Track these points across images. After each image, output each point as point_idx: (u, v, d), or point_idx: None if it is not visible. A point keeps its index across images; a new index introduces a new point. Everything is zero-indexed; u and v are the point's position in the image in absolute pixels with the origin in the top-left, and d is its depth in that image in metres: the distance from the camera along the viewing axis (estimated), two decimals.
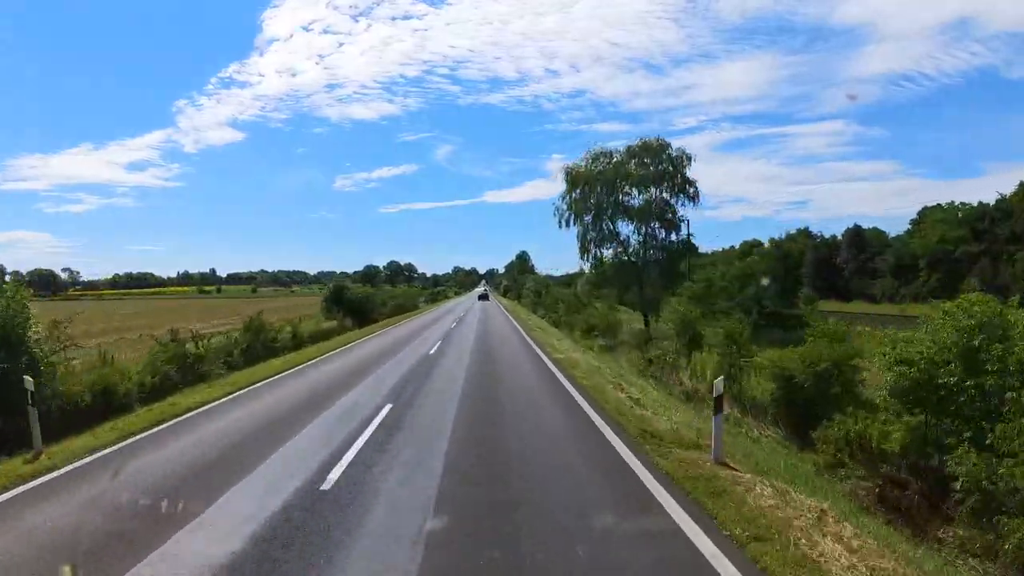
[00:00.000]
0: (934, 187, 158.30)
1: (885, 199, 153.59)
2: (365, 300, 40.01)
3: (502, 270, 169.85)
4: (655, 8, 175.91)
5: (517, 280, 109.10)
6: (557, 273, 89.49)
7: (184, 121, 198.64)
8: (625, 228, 31.84)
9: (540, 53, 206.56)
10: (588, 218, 31.41)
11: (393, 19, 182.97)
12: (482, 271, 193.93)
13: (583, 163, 31.10)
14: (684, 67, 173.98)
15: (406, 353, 16.91)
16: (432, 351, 16.79)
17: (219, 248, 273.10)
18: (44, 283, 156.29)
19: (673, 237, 31.44)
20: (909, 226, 73.34)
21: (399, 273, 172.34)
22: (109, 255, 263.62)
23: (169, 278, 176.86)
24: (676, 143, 32.21)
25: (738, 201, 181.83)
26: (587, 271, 32.41)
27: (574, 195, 31.32)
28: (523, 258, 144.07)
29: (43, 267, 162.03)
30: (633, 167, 30.70)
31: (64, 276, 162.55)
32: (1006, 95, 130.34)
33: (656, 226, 31.15)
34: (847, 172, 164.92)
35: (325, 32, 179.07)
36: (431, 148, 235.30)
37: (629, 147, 30.81)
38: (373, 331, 27.48)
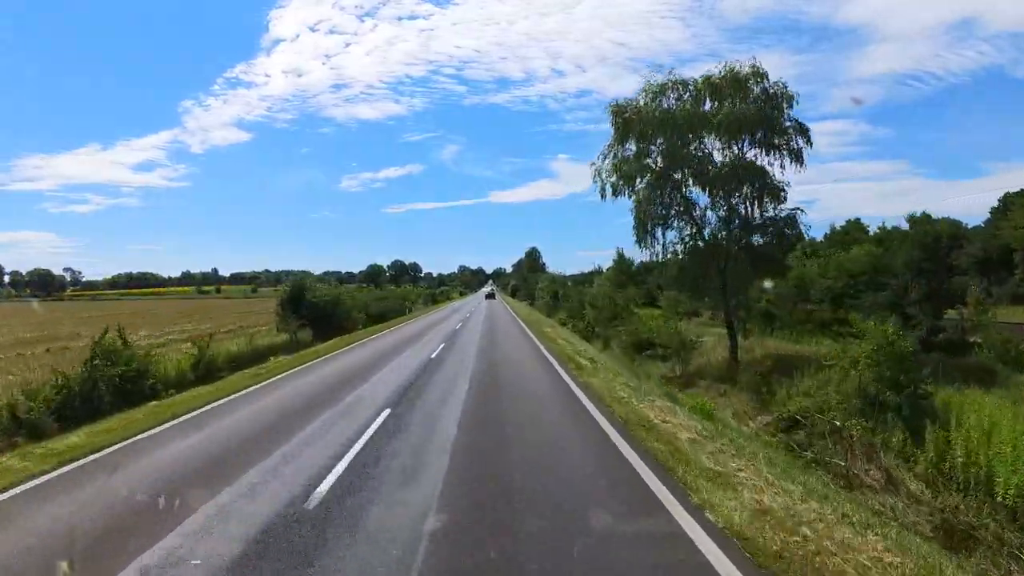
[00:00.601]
0: (935, 187, 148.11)
1: (892, 198, 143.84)
2: (333, 305, 29.98)
3: (509, 269, 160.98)
4: (660, 8, 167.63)
5: (527, 279, 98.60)
6: (567, 273, 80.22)
7: (191, 121, 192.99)
8: (701, 199, 21.16)
9: (545, 53, 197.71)
10: (642, 183, 20.72)
11: (399, 19, 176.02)
12: (488, 271, 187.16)
13: (641, 100, 20.12)
14: (689, 66, 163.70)
15: (293, 450, 6.82)
16: (335, 478, 6.44)
17: (223, 248, 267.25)
18: (42, 283, 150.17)
19: (771, 211, 20.40)
20: (989, 215, 63.32)
21: (404, 273, 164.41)
22: (112, 255, 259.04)
23: (170, 278, 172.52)
24: None
25: None
26: (659, 260, 21.23)
27: (624, 150, 20.72)
28: (533, 256, 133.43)
29: (46, 267, 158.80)
30: (711, 109, 20.06)
31: (66, 276, 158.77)
32: (1014, 94, 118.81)
33: (747, 195, 20.45)
34: (853, 172, 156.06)
35: (331, 32, 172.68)
36: (436, 148, 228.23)
37: (708, 78, 19.82)
38: (315, 357, 17.33)
